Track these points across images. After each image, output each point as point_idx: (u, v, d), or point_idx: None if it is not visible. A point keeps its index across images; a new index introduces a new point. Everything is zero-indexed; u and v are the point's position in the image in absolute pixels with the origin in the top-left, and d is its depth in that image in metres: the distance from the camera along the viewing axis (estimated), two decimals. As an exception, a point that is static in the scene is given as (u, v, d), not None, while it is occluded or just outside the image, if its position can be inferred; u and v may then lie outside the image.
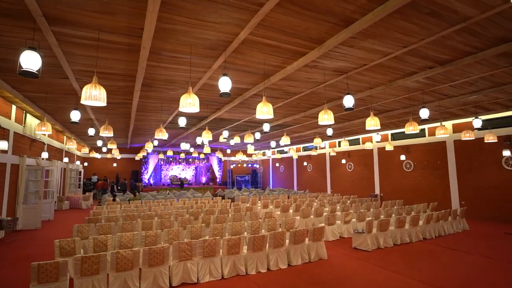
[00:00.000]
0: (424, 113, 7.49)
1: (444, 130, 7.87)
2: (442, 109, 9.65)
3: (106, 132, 7.57)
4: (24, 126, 9.33)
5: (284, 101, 8.45)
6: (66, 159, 14.38)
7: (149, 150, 18.60)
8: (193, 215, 8.46)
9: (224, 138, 12.06)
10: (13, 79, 6.31)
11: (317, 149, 20.35)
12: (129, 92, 7.33)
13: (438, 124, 11.89)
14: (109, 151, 19.19)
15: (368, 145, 15.82)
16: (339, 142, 18.47)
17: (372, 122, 6.36)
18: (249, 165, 27.18)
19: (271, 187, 25.84)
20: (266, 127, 10.09)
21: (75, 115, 6.53)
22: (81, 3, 3.55)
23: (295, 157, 19.36)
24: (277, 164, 25.06)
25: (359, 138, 16.70)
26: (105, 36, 4.32)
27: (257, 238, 5.45)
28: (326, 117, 5.79)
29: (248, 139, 10.36)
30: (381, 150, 14.83)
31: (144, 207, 10.01)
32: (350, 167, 17.20)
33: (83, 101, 3.86)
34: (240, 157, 25.32)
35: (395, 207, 9.93)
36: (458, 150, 11.88)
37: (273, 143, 15.32)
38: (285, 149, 23.62)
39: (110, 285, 4.28)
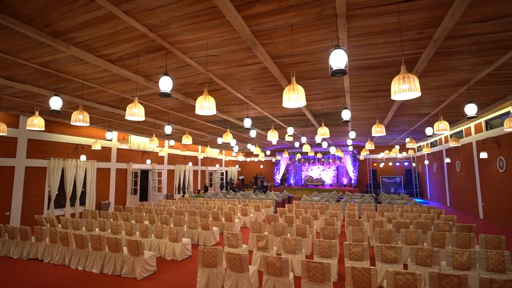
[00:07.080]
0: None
1: None
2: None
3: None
4: (129, 143, 14.41)
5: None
6: (190, 164, 19.37)
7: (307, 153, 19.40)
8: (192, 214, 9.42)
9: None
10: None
11: (459, 138, 12.75)
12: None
13: None
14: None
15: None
16: (486, 124, 10.66)
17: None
18: (397, 163, 21.22)
19: (428, 196, 18.72)
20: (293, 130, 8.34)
21: (346, 114, 6.72)
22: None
23: (426, 151, 12.92)
24: (427, 162, 17.82)
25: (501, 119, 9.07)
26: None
27: (77, 235, 5.81)
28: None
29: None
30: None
31: (174, 205, 11.96)
32: (502, 166, 9.51)
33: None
34: (381, 154, 20.74)
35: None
36: None
37: (429, 130, 8.73)
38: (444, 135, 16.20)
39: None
